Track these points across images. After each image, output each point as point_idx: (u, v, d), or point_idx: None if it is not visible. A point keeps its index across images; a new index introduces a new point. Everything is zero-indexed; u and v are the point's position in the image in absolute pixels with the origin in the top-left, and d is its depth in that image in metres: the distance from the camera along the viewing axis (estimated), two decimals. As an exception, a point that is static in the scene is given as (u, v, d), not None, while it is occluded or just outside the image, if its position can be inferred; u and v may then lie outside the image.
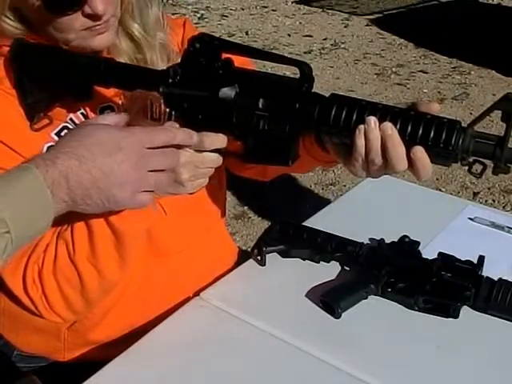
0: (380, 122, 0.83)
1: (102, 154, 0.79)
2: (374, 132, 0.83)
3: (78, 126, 0.86)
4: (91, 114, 1.02)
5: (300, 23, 5.70)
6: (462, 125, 0.82)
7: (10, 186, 0.74)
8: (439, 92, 4.17)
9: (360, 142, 0.84)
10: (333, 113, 0.85)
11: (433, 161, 0.83)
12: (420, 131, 0.82)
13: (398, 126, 0.82)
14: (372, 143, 0.83)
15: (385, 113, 0.83)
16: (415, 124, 0.82)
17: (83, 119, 1.01)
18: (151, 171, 0.82)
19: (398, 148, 0.82)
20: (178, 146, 0.86)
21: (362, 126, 0.83)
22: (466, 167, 0.83)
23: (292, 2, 6.28)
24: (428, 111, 0.84)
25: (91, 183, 0.78)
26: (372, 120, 0.83)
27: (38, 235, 0.79)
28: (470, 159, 0.82)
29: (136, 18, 1.01)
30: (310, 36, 5.35)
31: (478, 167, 0.83)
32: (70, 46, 0.95)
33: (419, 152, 0.82)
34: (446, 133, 0.81)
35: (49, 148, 0.98)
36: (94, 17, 0.91)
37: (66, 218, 0.86)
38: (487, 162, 0.82)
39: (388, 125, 0.82)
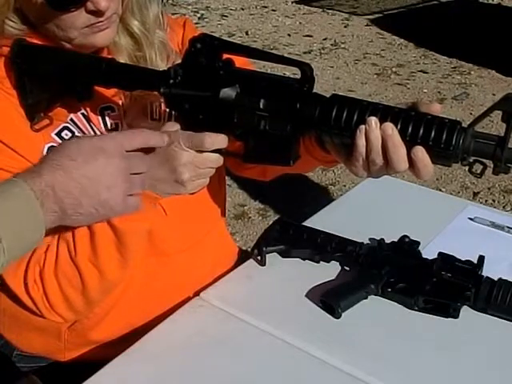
0: (381, 123, 0.83)
1: (85, 160, 0.80)
2: (375, 132, 0.83)
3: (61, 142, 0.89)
4: (92, 115, 1.02)
5: (300, 23, 5.70)
6: (463, 125, 0.82)
7: None
8: (439, 92, 4.17)
9: (361, 142, 0.84)
10: (334, 113, 0.85)
11: (433, 161, 0.83)
12: (421, 131, 0.82)
13: (398, 127, 0.82)
14: (373, 143, 0.83)
15: (385, 113, 0.83)
16: (416, 124, 0.82)
17: (83, 119, 1.01)
18: (133, 174, 0.84)
19: (398, 148, 0.82)
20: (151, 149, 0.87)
21: (362, 127, 0.83)
22: (467, 167, 0.83)
23: (292, 2, 6.28)
24: (429, 111, 0.84)
25: (79, 191, 0.80)
26: (373, 120, 0.83)
27: (32, 247, 0.80)
28: (471, 159, 0.82)
29: (136, 14, 1.01)
30: (310, 36, 5.35)
31: (478, 167, 0.83)
32: (71, 43, 0.96)
33: (420, 152, 0.82)
34: (446, 133, 0.81)
35: (49, 148, 0.98)
36: (97, 13, 0.92)
37: None
38: (487, 161, 0.82)
39: (389, 125, 0.82)
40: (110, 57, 0.99)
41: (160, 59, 1.03)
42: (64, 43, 0.96)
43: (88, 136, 0.85)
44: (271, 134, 0.89)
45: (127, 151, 0.83)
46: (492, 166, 0.81)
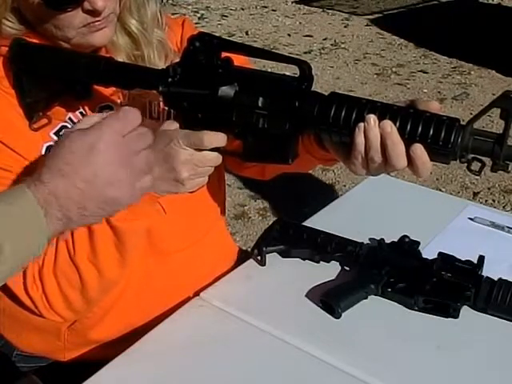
0: (379, 120, 0.83)
1: (81, 162, 0.75)
2: (374, 130, 0.83)
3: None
4: (90, 114, 1.01)
5: (300, 23, 5.70)
6: (461, 123, 0.82)
7: (1, 206, 0.72)
8: (439, 92, 4.17)
9: (360, 139, 0.84)
10: (332, 111, 0.85)
11: (432, 158, 0.82)
12: (419, 129, 0.81)
13: (397, 124, 0.82)
14: (371, 141, 0.83)
15: (384, 111, 0.83)
16: (414, 122, 0.82)
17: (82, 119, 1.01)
18: (136, 155, 0.78)
19: (397, 146, 0.82)
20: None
21: (361, 124, 0.83)
22: (465, 165, 0.83)
23: (292, 2, 6.28)
24: (427, 109, 0.84)
25: (81, 196, 0.75)
26: (371, 118, 0.83)
27: (36, 254, 0.76)
28: (469, 157, 0.82)
29: (134, 14, 1.01)
30: (310, 36, 5.35)
31: (477, 165, 0.82)
32: (69, 43, 0.96)
33: (418, 150, 0.82)
34: (445, 130, 0.81)
35: (48, 148, 0.98)
36: (94, 13, 0.92)
37: None
38: (486, 159, 0.82)
39: (387, 123, 0.82)
40: (108, 55, 0.99)
41: (158, 58, 1.03)
42: (62, 43, 0.96)
43: (77, 132, 0.78)
44: (270, 133, 0.88)
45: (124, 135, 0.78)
46: (491, 163, 0.81)
